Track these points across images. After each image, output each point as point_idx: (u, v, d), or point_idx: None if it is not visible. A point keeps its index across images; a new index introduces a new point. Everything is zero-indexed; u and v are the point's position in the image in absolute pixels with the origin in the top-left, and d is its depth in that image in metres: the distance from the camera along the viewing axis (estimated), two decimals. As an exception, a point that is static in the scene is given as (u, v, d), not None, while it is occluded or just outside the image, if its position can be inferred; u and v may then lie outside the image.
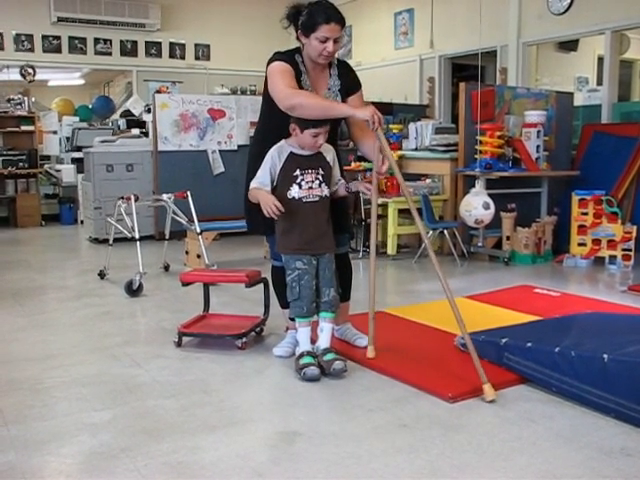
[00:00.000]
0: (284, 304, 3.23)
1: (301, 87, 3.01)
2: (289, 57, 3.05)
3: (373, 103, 3.32)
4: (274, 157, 2.99)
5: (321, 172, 3.03)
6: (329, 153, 3.09)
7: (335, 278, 3.06)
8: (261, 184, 2.99)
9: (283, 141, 3.02)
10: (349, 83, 3.19)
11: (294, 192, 2.98)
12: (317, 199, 3.01)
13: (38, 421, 2.50)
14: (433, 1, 8.79)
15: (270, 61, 3.05)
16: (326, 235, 3.05)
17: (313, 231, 3.00)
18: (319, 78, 3.11)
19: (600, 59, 7.50)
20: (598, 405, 2.52)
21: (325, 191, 3.04)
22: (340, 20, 2.97)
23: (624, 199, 6.28)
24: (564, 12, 7.19)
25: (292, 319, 3.13)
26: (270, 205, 2.88)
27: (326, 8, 2.97)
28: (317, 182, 3.01)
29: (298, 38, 3.05)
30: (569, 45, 8.15)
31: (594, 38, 7.50)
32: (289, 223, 3.01)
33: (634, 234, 5.55)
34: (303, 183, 2.99)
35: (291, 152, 3.00)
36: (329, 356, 2.97)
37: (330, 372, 2.92)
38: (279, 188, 3.00)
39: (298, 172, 2.99)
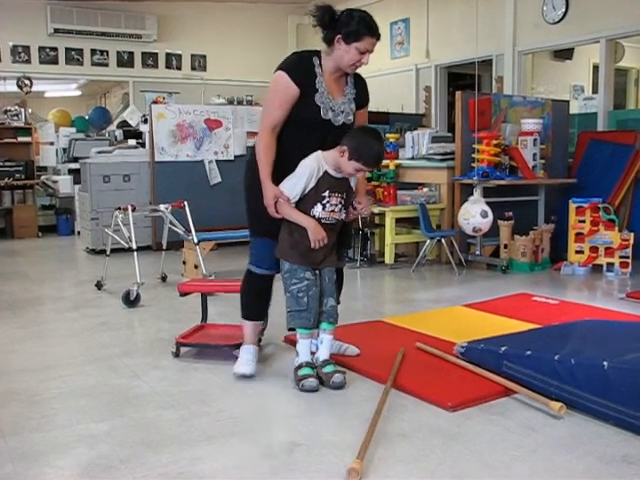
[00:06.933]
0: (250, 315, 3.15)
1: (316, 90, 2.94)
2: (306, 59, 2.98)
3: (370, 112, 3.30)
4: (313, 170, 2.90)
5: (344, 197, 2.99)
6: (352, 179, 3.04)
7: (335, 289, 3.05)
8: (290, 194, 2.89)
9: (320, 154, 2.93)
10: (362, 94, 3.15)
11: (316, 211, 2.92)
12: (334, 222, 2.98)
13: (36, 433, 2.49)
14: (429, 11, 8.85)
15: (281, 65, 2.95)
16: (331, 256, 3.02)
17: (320, 253, 2.95)
18: (336, 84, 3.04)
19: (595, 67, 7.55)
20: (598, 413, 2.51)
21: (342, 215, 3.01)
22: (380, 36, 2.95)
23: (621, 206, 6.29)
24: (559, 21, 7.24)
25: (292, 329, 3.04)
26: (320, 235, 2.87)
27: (372, 21, 2.92)
28: (339, 206, 2.96)
29: (328, 41, 2.94)
30: (564, 53, 8.21)
31: (589, 46, 7.54)
32: (301, 236, 2.92)
33: (631, 241, 5.56)
34: (328, 205, 2.93)
35: (326, 171, 2.93)
36: (329, 368, 2.95)
37: (330, 385, 2.90)
38: (303, 203, 2.92)
39: (327, 193, 2.92)
